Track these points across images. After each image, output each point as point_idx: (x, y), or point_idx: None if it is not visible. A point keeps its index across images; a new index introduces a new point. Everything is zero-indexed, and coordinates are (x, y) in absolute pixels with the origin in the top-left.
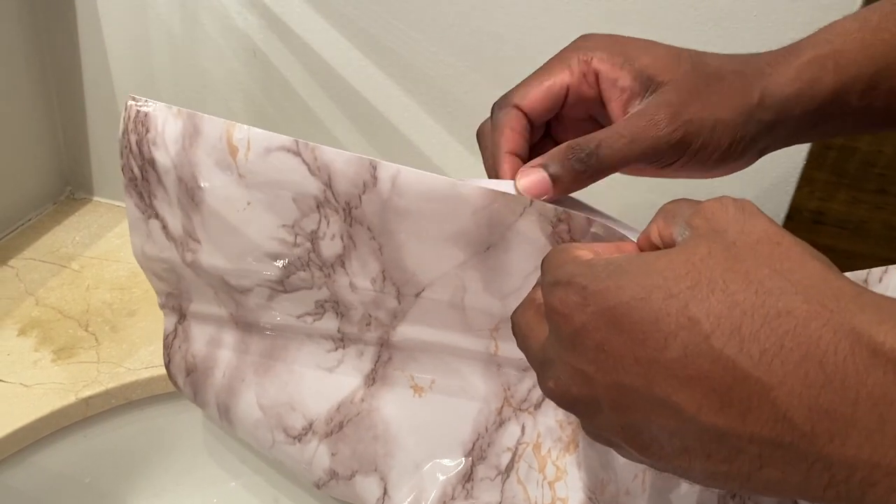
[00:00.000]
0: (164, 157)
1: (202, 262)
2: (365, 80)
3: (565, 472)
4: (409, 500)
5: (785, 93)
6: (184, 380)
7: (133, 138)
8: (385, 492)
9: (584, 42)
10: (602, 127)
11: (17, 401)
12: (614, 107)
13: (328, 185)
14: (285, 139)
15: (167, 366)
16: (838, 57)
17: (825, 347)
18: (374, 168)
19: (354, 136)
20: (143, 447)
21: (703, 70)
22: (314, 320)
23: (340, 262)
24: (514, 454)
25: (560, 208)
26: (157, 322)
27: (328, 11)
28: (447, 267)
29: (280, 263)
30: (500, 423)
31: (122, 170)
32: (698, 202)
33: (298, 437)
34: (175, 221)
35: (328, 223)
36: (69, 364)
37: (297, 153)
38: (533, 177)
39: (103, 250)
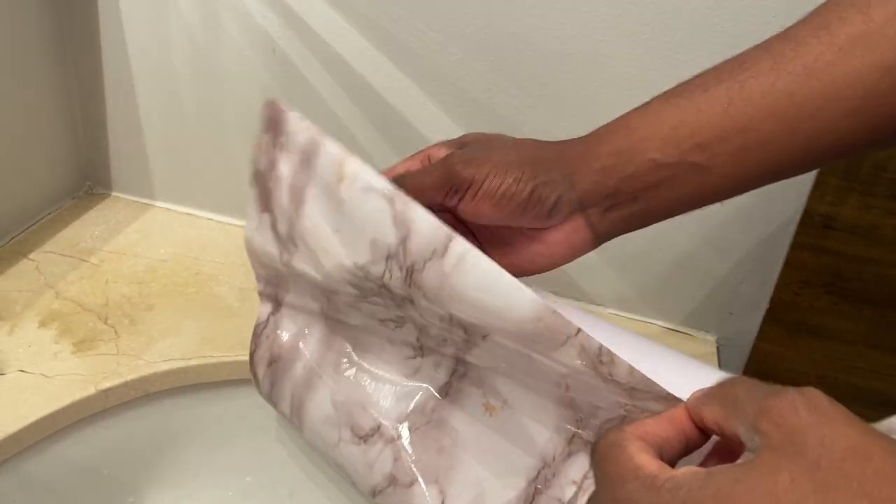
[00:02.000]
0: (285, 164)
1: (295, 266)
2: (384, 80)
3: None
4: None
5: (593, 167)
6: (265, 370)
7: (266, 138)
8: None
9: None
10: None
11: (39, 391)
12: None
13: (404, 240)
14: (386, 186)
15: (251, 355)
16: (640, 145)
17: None
18: (449, 239)
19: (373, 135)
20: (160, 439)
21: (509, 139)
22: (396, 326)
23: (410, 300)
24: (580, 488)
25: (605, 347)
26: (174, 316)
27: (348, 10)
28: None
29: (355, 289)
30: (569, 454)
31: (253, 161)
32: (760, 392)
33: (365, 438)
34: (283, 223)
35: (391, 277)
36: (89, 356)
37: (391, 201)
38: None
39: (122, 245)
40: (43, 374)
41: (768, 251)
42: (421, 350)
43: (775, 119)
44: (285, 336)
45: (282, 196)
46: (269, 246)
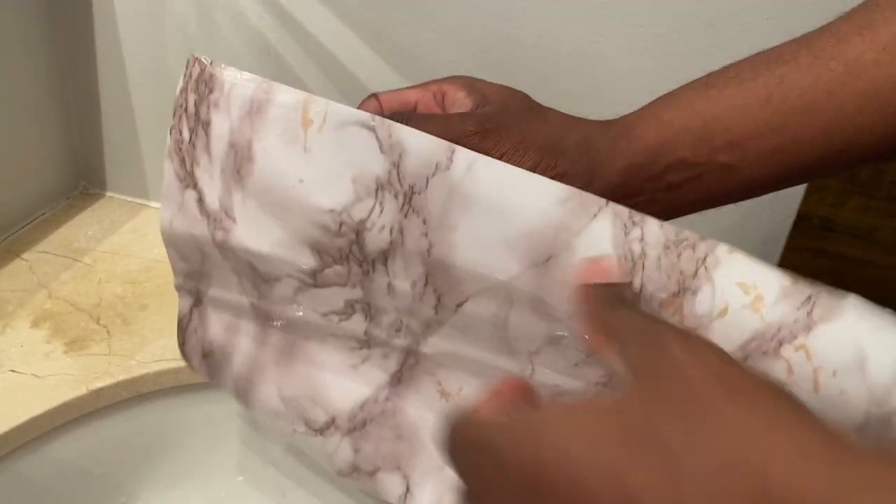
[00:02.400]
0: (222, 121)
1: (233, 244)
2: (379, 81)
3: None
4: (432, 499)
5: (618, 165)
6: (199, 362)
7: (192, 98)
8: (408, 489)
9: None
10: None
11: (30, 391)
12: None
13: (396, 164)
14: (364, 115)
15: (181, 346)
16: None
17: None
18: (452, 150)
19: None
20: (152, 439)
21: (533, 109)
22: (340, 320)
23: (383, 259)
24: None
25: (633, 210)
26: (168, 316)
27: (343, 11)
28: (498, 279)
29: (316, 255)
30: None
31: (170, 131)
32: (649, 337)
33: (320, 431)
34: (213, 195)
35: (381, 211)
36: (81, 356)
37: (373, 129)
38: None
39: (116, 245)
40: (34, 375)
41: (763, 255)
42: (367, 343)
43: (813, 119)
44: (214, 330)
45: (213, 162)
46: (197, 227)
